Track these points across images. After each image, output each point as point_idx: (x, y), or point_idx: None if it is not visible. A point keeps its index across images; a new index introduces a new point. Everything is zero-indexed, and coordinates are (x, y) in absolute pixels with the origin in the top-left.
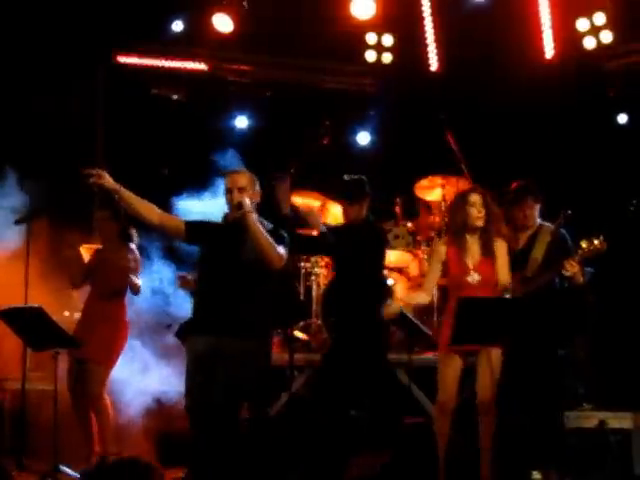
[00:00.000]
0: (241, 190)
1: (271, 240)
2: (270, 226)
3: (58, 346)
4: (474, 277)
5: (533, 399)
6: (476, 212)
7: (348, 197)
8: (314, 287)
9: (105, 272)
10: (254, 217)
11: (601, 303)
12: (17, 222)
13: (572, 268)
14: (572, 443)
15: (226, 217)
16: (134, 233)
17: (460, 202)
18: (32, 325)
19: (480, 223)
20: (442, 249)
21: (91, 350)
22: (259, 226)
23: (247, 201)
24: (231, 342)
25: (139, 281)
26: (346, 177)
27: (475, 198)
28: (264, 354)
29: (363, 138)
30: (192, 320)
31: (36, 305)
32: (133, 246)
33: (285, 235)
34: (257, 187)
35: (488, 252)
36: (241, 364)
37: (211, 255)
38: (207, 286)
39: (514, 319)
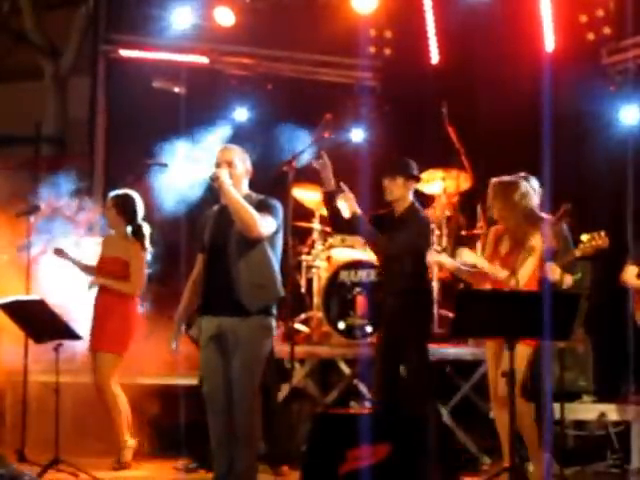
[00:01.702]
0: (229, 164)
1: (248, 207)
2: (260, 197)
3: (59, 338)
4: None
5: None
6: None
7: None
8: (315, 280)
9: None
10: (229, 186)
11: (602, 296)
12: (18, 215)
13: (553, 274)
14: (572, 435)
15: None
16: (144, 224)
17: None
18: (33, 317)
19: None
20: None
21: (101, 341)
22: (234, 194)
23: (224, 173)
24: (235, 322)
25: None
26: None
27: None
28: (269, 332)
29: (357, 135)
30: (199, 304)
31: (38, 297)
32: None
33: (276, 206)
34: (248, 163)
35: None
36: (249, 344)
37: (210, 238)
38: (209, 267)
39: (513, 312)
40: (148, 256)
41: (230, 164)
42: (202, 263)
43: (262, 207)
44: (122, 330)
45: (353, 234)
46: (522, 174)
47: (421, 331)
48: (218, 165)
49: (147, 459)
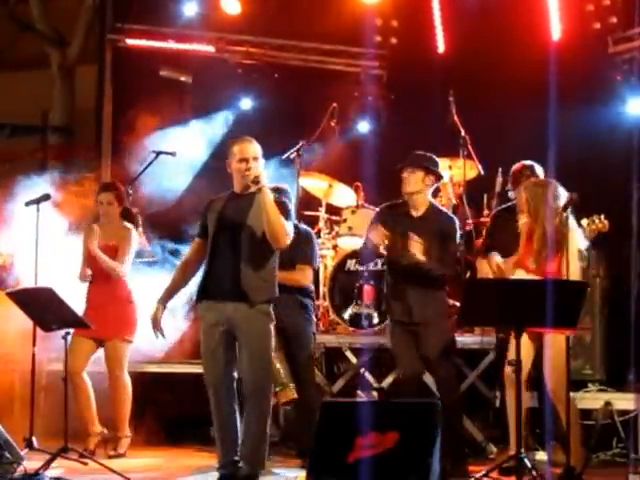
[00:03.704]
0: (255, 160)
1: (282, 219)
2: (271, 186)
3: (68, 327)
4: None
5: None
6: None
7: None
8: (321, 268)
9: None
10: (269, 193)
11: (608, 284)
12: (27, 204)
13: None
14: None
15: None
16: (138, 215)
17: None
18: (42, 306)
19: None
20: None
21: (108, 330)
22: (272, 201)
23: (264, 174)
24: (238, 307)
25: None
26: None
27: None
28: (271, 318)
29: (363, 126)
30: (200, 290)
31: (47, 286)
32: (136, 228)
33: (291, 210)
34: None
35: None
36: (255, 328)
37: (219, 226)
38: (215, 253)
39: (520, 300)
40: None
41: (257, 159)
42: (197, 248)
43: (280, 211)
44: (128, 317)
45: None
46: (528, 162)
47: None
48: (244, 160)
49: (152, 447)
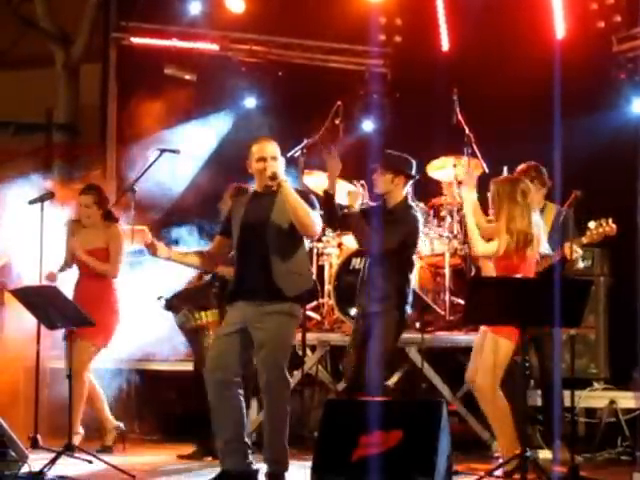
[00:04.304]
0: (274, 159)
1: (308, 208)
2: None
3: (73, 325)
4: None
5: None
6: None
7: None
8: (326, 267)
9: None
10: (290, 187)
11: (613, 283)
12: (31, 202)
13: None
14: (582, 422)
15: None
16: (118, 215)
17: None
18: (47, 304)
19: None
20: None
21: (83, 329)
22: (296, 195)
23: (281, 170)
24: (263, 308)
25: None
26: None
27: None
28: (298, 319)
29: (368, 124)
30: (232, 292)
31: (51, 284)
32: (119, 227)
33: (315, 201)
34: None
35: None
36: (279, 329)
37: (244, 225)
38: (243, 253)
39: (524, 299)
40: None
41: (275, 158)
42: (218, 244)
43: (305, 201)
44: (105, 322)
45: (345, 230)
46: (532, 163)
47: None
48: (262, 159)
49: (152, 445)
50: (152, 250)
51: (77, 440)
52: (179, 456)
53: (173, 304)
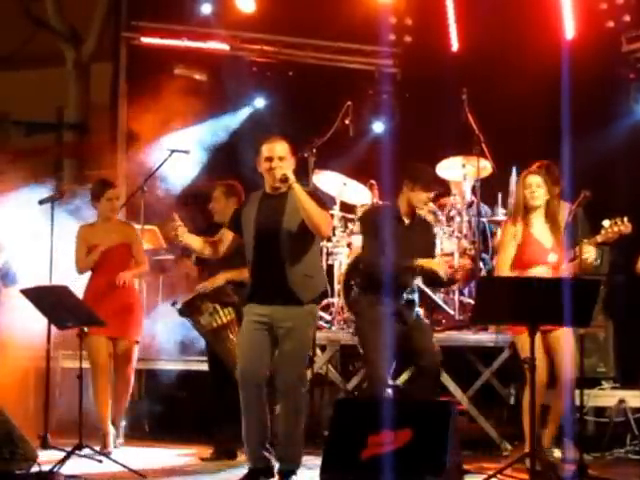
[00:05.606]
0: (282, 159)
1: (319, 209)
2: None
3: (83, 325)
4: (553, 257)
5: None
6: (529, 193)
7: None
8: (336, 266)
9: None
10: (300, 188)
11: (621, 282)
12: (41, 202)
13: (589, 252)
14: (591, 421)
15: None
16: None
17: (517, 184)
18: (57, 304)
19: (536, 202)
20: (519, 229)
21: (130, 329)
22: (307, 196)
23: (290, 173)
24: (282, 310)
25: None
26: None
27: (530, 180)
28: (314, 321)
29: (377, 124)
30: (249, 295)
31: (62, 284)
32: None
33: (326, 202)
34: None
35: (557, 230)
36: (299, 331)
37: (258, 228)
38: (257, 257)
39: (534, 298)
40: None
41: (283, 158)
42: (225, 237)
43: (316, 202)
44: (140, 317)
45: None
46: (545, 162)
47: None
48: (270, 159)
49: (167, 444)
50: (178, 233)
51: (111, 441)
52: (201, 458)
53: (190, 309)
